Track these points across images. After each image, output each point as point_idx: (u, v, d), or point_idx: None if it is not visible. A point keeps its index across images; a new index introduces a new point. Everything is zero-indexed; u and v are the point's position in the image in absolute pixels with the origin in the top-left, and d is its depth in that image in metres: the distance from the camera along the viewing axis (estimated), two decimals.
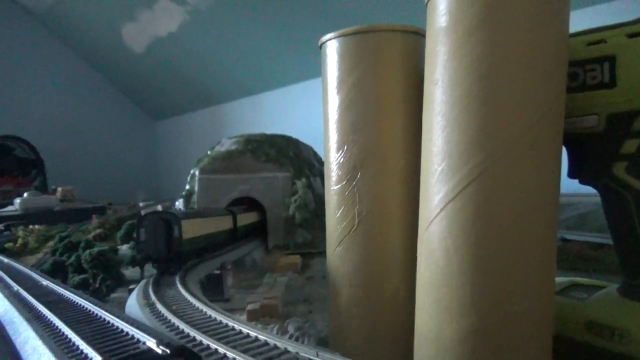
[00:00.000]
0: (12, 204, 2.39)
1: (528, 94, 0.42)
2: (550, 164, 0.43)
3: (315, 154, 1.78)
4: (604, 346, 0.50)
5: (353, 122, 0.58)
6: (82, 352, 0.47)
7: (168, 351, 0.41)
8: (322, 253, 0.68)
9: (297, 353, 0.46)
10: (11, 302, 0.71)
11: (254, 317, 0.82)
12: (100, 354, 0.44)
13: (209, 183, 1.48)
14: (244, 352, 0.46)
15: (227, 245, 1.13)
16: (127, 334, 0.50)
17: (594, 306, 0.53)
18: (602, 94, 0.49)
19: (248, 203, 1.47)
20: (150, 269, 1.03)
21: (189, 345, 0.49)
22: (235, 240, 1.19)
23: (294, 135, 1.79)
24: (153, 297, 0.72)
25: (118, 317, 0.55)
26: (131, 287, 0.90)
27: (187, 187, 1.59)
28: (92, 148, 3.97)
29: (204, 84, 3.35)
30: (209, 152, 1.67)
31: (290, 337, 0.71)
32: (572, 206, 1.31)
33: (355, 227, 0.58)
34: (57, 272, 1.11)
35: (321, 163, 1.68)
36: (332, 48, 0.59)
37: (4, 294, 0.78)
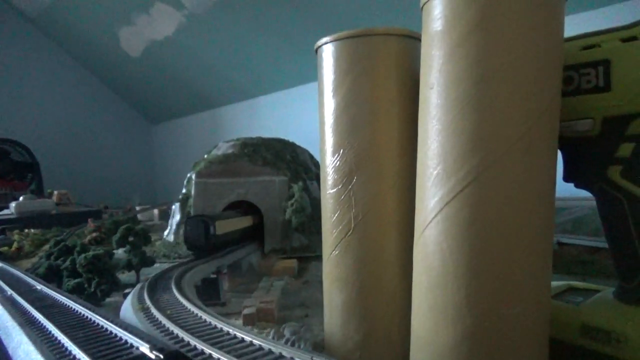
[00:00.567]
0: (7, 207, 2.38)
1: (523, 98, 0.42)
2: (546, 167, 0.43)
3: (311, 157, 1.78)
4: (600, 350, 0.50)
5: (349, 125, 0.58)
6: (74, 357, 0.47)
7: (161, 356, 0.40)
8: (319, 257, 0.68)
9: (292, 358, 0.45)
10: (4, 307, 0.70)
11: (250, 322, 0.82)
12: (93, 359, 0.43)
13: (206, 187, 1.48)
14: (238, 357, 0.46)
15: (248, 238, 1.37)
16: (121, 339, 0.50)
17: (590, 310, 0.53)
18: (596, 98, 0.49)
19: (245, 207, 1.46)
20: (145, 273, 1.07)
21: (183, 350, 0.48)
22: (254, 234, 1.41)
23: (291, 139, 1.79)
24: (148, 302, 0.71)
25: (111, 321, 0.55)
26: (126, 291, 0.89)
27: (184, 190, 1.58)
28: (88, 152, 3.96)
29: (200, 87, 3.35)
30: (205, 156, 1.66)
31: (287, 341, 0.71)
32: (568, 210, 1.32)
33: (351, 230, 0.58)
34: (52, 276, 1.10)
35: (318, 166, 1.68)
36: (327, 52, 0.59)
37: None
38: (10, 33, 3.59)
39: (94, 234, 1.74)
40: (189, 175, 1.59)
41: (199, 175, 1.50)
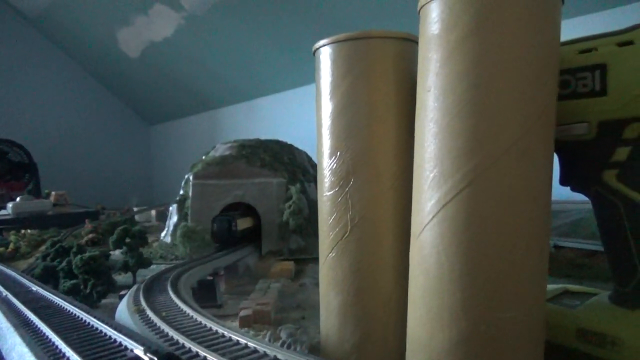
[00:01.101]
0: (4, 208, 2.37)
1: (519, 101, 0.42)
2: (542, 171, 0.43)
3: (309, 159, 1.78)
4: (596, 354, 0.50)
5: (346, 128, 0.58)
6: (68, 359, 0.46)
7: (155, 359, 0.40)
8: (316, 259, 0.68)
9: None
10: None
11: (247, 324, 0.81)
12: None
13: (203, 188, 1.47)
14: (233, 359, 0.46)
15: (253, 236, 1.48)
16: (115, 340, 0.50)
17: (586, 313, 0.53)
18: (593, 102, 0.49)
19: (243, 208, 1.46)
20: (141, 274, 1.07)
21: (178, 352, 0.48)
22: (251, 236, 1.49)
23: (289, 141, 1.79)
24: (143, 304, 0.71)
25: (106, 323, 0.55)
26: (122, 292, 0.89)
27: (181, 192, 1.58)
28: (86, 152, 3.95)
29: (198, 89, 3.34)
30: (203, 158, 1.66)
31: (283, 343, 0.70)
32: (566, 213, 1.32)
33: (347, 233, 0.58)
34: (48, 277, 1.10)
35: (316, 168, 1.67)
36: (325, 54, 0.59)
37: None
38: (8, 33, 3.58)
39: (91, 235, 1.73)
40: (186, 176, 1.59)
41: (196, 176, 1.50)
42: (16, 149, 3.28)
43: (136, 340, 0.46)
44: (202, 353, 0.48)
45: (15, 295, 0.78)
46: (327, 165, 0.60)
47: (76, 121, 3.94)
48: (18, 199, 2.35)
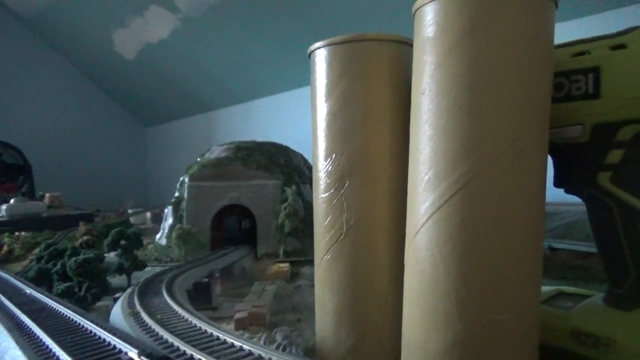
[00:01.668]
0: None
1: (514, 104, 0.42)
2: (536, 173, 0.44)
3: (305, 161, 1.78)
4: (590, 355, 0.50)
5: (341, 130, 0.58)
6: None
7: None
8: (312, 261, 0.68)
9: None
10: None
11: (242, 326, 0.81)
12: None
13: (199, 190, 1.47)
14: None
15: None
16: (109, 343, 0.50)
17: (580, 315, 0.53)
18: (586, 105, 0.50)
19: (238, 211, 1.46)
20: (136, 276, 1.06)
21: (172, 355, 0.48)
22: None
23: (285, 143, 1.79)
24: (138, 306, 0.71)
25: (100, 326, 0.54)
26: (117, 295, 0.89)
27: (177, 194, 1.58)
28: (80, 154, 3.93)
29: (194, 91, 3.34)
30: (198, 159, 1.66)
31: (278, 346, 0.70)
32: (560, 215, 1.32)
33: (343, 235, 0.58)
34: (42, 279, 1.09)
35: (312, 170, 1.68)
36: (320, 57, 0.60)
37: None
38: (4, 34, 3.56)
39: (85, 237, 1.72)
40: (181, 178, 1.58)
41: (192, 178, 1.49)
42: (10, 151, 3.26)
43: (130, 343, 0.46)
44: (197, 356, 0.48)
45: (9, 298, 0.77)
46: (322, 168, 0.60)
47: (71, 123, 3.92)
48: (12, 200, 2.33)
